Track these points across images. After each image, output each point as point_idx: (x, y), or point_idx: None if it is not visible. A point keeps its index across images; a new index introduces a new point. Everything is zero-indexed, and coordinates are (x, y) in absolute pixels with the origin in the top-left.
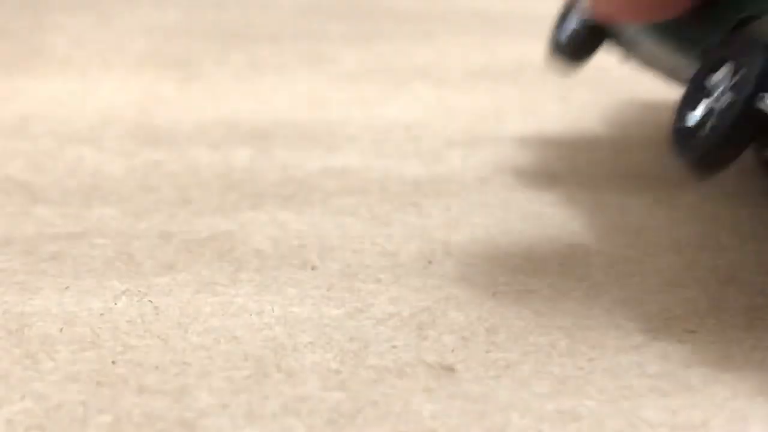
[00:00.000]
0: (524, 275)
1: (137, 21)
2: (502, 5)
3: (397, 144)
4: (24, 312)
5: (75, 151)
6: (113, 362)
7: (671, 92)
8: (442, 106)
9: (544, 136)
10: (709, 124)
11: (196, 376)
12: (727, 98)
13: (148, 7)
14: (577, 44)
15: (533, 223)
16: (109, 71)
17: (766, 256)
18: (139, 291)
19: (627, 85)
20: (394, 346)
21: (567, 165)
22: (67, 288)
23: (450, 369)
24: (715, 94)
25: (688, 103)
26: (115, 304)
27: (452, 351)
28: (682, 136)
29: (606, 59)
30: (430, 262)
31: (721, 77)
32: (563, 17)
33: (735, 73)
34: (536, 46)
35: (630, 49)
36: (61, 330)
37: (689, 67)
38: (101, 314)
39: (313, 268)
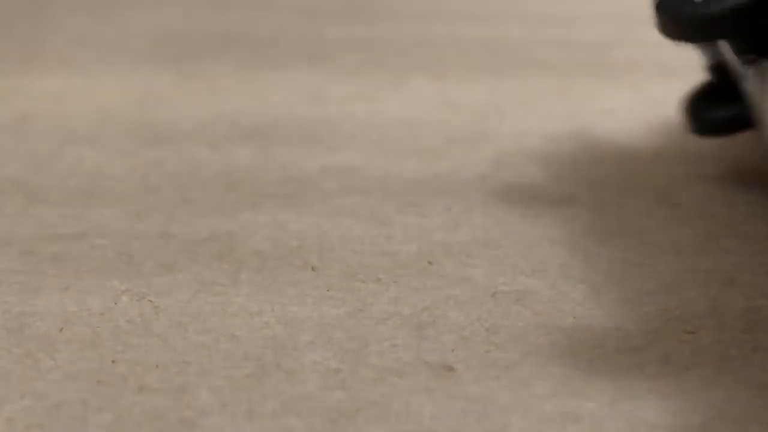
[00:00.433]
0: (524, 276)
1: (137, 21)
2: (501, 5)
3: (397, 142)
4: (24, 312)
5: (75, 151)
6: (113, 361)
7: (678, 86)
8: (442, 103)
9: (545, 133)
10: None
11: (196, 375)
12: None
13: (148, 7)
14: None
15: (533, 223)
16: (109, 70)
17: (767, 258)
18: (139, 291)
19: (631, 79)
20: (394, 346)
21: (568, 164)
22: (67, 288)
23: (450, 369)
24: None
25: None
26: (115, 303)
27: (452, 351)
28: None
29: (606, 56)
30: (430, 262)
31: None
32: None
33: None
34: (537, 43)
35: None
36: (61, 329)
37: None
38: (101, 314)
39: (313, 268)
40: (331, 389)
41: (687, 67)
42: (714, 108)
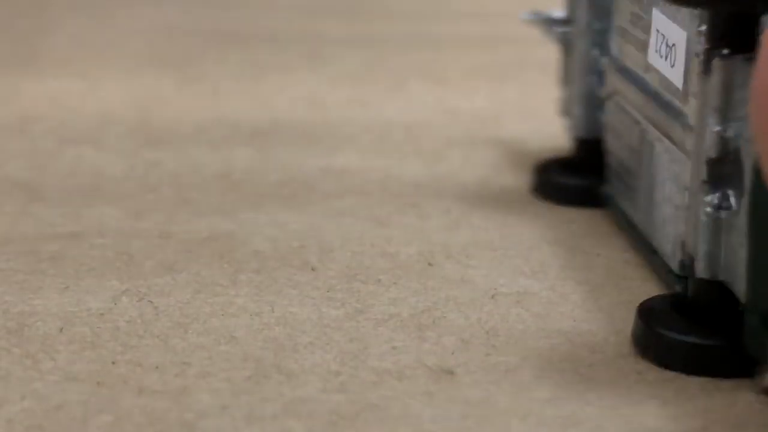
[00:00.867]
0: (524, 278)
1: (137, 21)
2: (502, 5)
3: (397, 144)
4: (24, 312)
5: (75, 151)
6: (113, 362)
7: None
8: (442, 106)
9: (544, 136)
10: None
11: (195, 376)
12: None
13: (148, 7)
14: None
15: (533, 225)
16: (109, 71)
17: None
18: (139, 291)
19: None
20: (393, 348)
21: None
22: (67, 288)
23: (450, 372)
24: None
25: None
26: (115, 304)
27: (452, 353)
28: None
29: None
30: (430, 264)
31: None
32: None
33: None
34: (536, 46)
35: None
36: (61, 330)
37: None
38: (101, 314)
39: (312, 269)
40: (330, 392)
41: None
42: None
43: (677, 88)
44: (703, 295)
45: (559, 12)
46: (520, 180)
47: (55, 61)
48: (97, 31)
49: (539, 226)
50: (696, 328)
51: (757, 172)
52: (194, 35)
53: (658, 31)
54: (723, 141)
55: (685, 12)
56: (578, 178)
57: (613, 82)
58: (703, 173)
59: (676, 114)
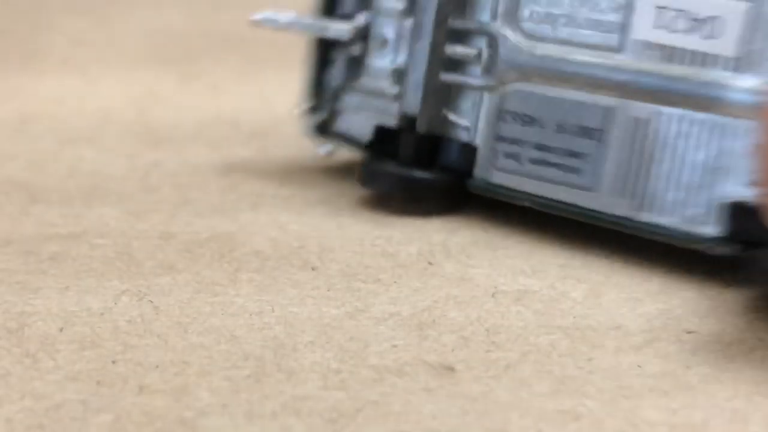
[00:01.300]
0: (524, 276)
1: (137, 21)
2: None
3: None
4: (24, 311)
5: (75, 151)
6: (113, 362)
7: None
8: None
9: None
10: None
11: (196, 375)
12: None
13: (148, 7)
14: None
15: (533, 225)
16: (109, 71)
17: (766, 257)
18: (139, 291)
19: None
20: (394, 346)
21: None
22: (67, 288)
23: (450, 369)
24: None
25: None
26: (115, 303)
27: (452, 351)
28: None
29: None
30: (430, 263)
31: None
32: None
33: None
34: None
35: None
36: (61, 329)
37: None
38: (101, 314)
39: (313, 269)
40: (331, 389)
41: None
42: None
43: (724, 57)
44: None
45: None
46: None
47: (55, 61)
48: (97, 31)
49: (539, 225)
50: None
51: None
52: (194, 35)
53: (664, 8)
54: None
55: None
56: None
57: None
58: None
59: (714, 84)
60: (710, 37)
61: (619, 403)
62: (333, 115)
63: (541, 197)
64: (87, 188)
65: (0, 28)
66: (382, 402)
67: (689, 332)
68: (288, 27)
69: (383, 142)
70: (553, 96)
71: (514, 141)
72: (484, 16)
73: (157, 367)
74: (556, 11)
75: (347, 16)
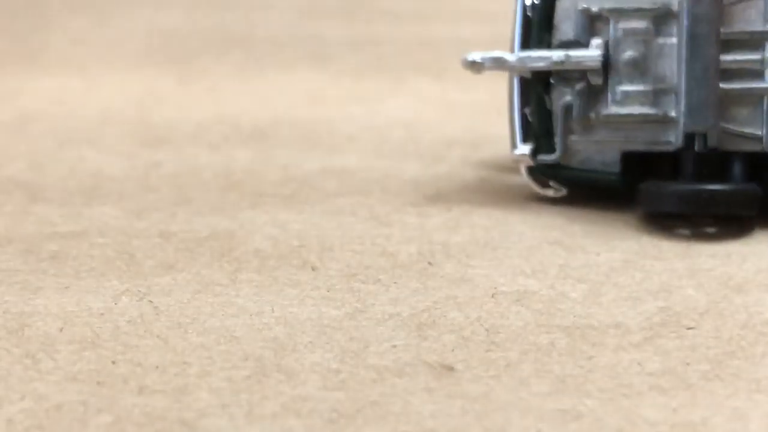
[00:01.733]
0: (524, 276)
1: (137, 21)
2: (501, 4)
3: (398, 143)
4: (24, 312)
5: (75, 151)
6: (113, 362)
7: None
8: (442, 104)
9: None
10: None
11: (196, 376)
12: None
13: (148, 7)
14: None
15: (533, 224)
16: (109, 71)
17: (765, 256)
18: (139, 291)
19: None
20: (394, 346)
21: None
22: (67, 288)
23: (450, 368)
24: None
25: None
26: (115, 303)
27: (452, 351)
28: None
29: None
30: (430, 263)
31: None
32: None
33: None
34: None
35: None
36: (61, 330)
37: None
38: (101, 314)
39: (313, 269)
40: (330, 390)
41: None
42: None
43: None
44: None
45: None
46: (521, 178)
47: (55, 61)
48: (97, 31)
49: (539, 225)
50: None
51: None
52: (194, 35)
53: None
54: None
55: None
56: None
57: None
58: None
59: None
60: None
61: (619, 402)
62: (564, 153)
63: None
64: (87, 188)
65: (0, 28)
66: (382, 402)
67: (689, 328)
68: (517, 66)
69: (631, 171)
70: None
71: None
72: (759, 21)
73: (157, 367)
74: None
75: (564, 47)
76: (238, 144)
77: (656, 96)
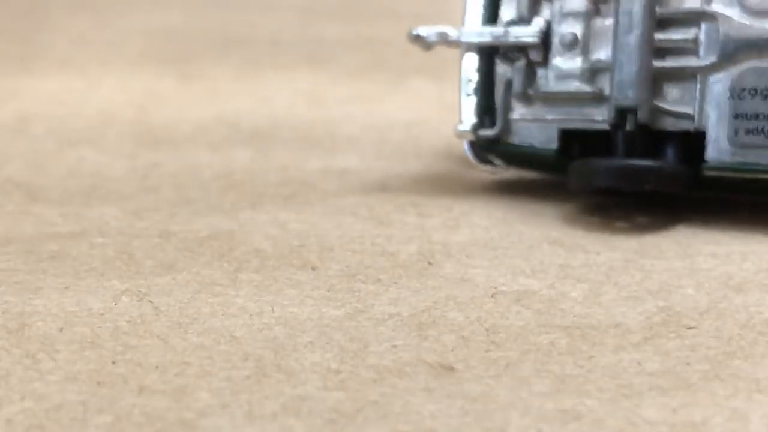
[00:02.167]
0: (524, 276)
1: (137, 21)
2: None
3: (397, 143)
4: (24, 312)
5: (75, 151)
6: (113, 362)
7: None
8: (441, 103)
9: None
10: None
11: (196, 376)
12: None
13: (148, 7)
14: None
15: (533, 224)
16: (109, 71)
17: (765, 256)
18: (139, 291)
19: None
20: (394, 346)
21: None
22: (67, 288)
23: (450, 368)
24: None
25: None
26: (115, 304)
27: (452, 350)
28: None
29: None
30: (430, 263)
31: None
32: None
33: None
34: None
35: None
36: (61, 330)
37: None
38: (101, 314)
39: (313, 269)
40: (330, 390)
41: None
42: None
43: None
44: None
45: None
46: (521, 178)
47: (55, 61)
48: (97, 31)
49: (539, 225)
50: None
51: None
52: (194, 35)
53: None
54: None
55: None
56: None
57: None
58: None
59: None
60: None
61: (619, 402)
62: (504, 129)
63: None
64: (87, 188)
65: (0, 28)
66: (382, 402)
67: (689, 328)
68: (460, 40)
69: (569, 148)
70: None
71: (755, 116)
72: (693, 1)
73: (157, 367)
74: None
75: (511, 24)
76: (238, 144)
77: (593, 74)
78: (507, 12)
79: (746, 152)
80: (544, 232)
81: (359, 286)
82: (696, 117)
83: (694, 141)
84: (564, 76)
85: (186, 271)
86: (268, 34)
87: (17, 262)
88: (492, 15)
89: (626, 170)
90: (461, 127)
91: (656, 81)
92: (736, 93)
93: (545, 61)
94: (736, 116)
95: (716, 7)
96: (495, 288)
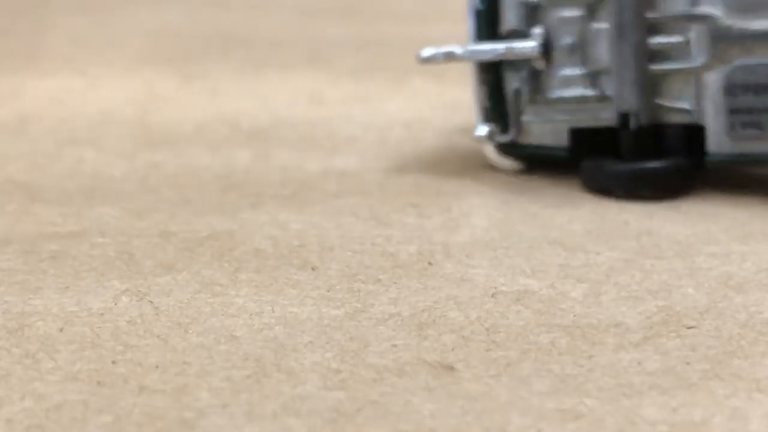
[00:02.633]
0: (524, 276)
1: (137, 21)
2: None
3: (397, 143)
4: (24, 312)
5: (75, 151)
6: (113, 362)
7: None
8: (442, 103)
9: None
10: None
11: (196, 375)
12: None
13: (148, 7)
14: None
15: (533, 224)
16: (109, 71)
17: (765, 256)
18: (139, 291)
19: None
20: (394, 346)
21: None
22: (67, 288)
23: (450, 368)
24: None
25: None
26: (115, 303)
27: (452, 350)
28: None
29: None
30: (430, 263)
31: None
32: None
33: None
34: None
35: None
36: (61, 330)
37: None
38: (101, 314)
39: (313, 269)
40: (330, 389)
41: None
42: None
43: None
44: None
45: None
46: (522, 179)
47: (55, 61)
48: (97, 31)
49: (539, 225)
50: None
51: None
52: (194, 35)
53: None
54: None
55: None
56: None
57: None
58: None
59: None
60: None
61: (619, 402)
62: (518, 132)
63: None
64: (87, 188)
65: (0, 28)
66: (382, 402)
67: (689, 328)
68: (466, 57)
69: (581, 145)
70: None
71: (750, 111)
72: (681, 4)
73: (157, 367)
74: None
75: (511, 36)
76: (238, 144)
77: (594, 78)
78: (506, 22)
79: (744, 145)
80: (544, 232)
81: (359, 286)
82: (695, 113)
83: (695, 135)
84: (568, 81)
85: (186, 271)
86: (268, 35)
87: (17, 262)
88: (491, 27)
89: (633, 174)
90: (477, 133)
91: (655, 82)
92: (730, 90)
93: (548, 68)
94: (732, 111)
95: (704, 9)
96: (495, 288)
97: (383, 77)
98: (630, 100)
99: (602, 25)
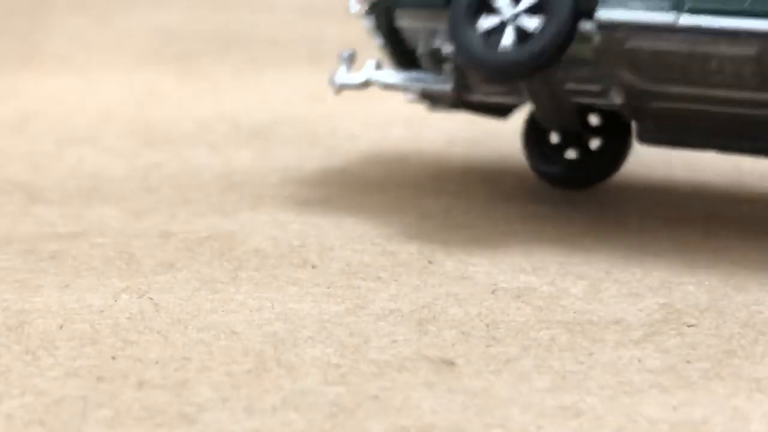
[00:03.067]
0: (524, 274)
1: (137, 21)
2: None
3: (398, 142)
4: (24, 309)
5: (75, 151)
6: (113, 358)
7: None
8: None
9: None
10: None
11: (196, 370)
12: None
13: (148, 7)
14: None
15: (533, 223)
16: (109, 71)
17: (765, 256)
18: (139, 288)
19: None
20: (394, 341)
21: None
22: (67, 286)
23: (450, 363)
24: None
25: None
26: (115, 301)
27: (452, 345)
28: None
29: None
30: (430, 262)
31: None
32: None
33: None
34: None
35: None
36: (61, 327)
37: None
38: (101, 311)
39: (313, 267)
40: (330, 384)
41: None
42: None
43: None
44: None
45: None
46: (522, 177)
47: (55, 61)
48: (97, 31)
49: (539, 223)
50: None
51: None
52: (194, 35)
53: None
54: None
55: None
56: None
57: None
58: None
59: None
60: None
61: (619, 399)
62: None
63: None
64: (87, 188)
65: (0, 27)
66: (382, 397)
67: (689, 326)
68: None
69: None
70: None
71: None
72: None
73: (157, 362)
74: None
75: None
76: (238, 144)
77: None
78: None
79: None
80: (544, 229)
81: (359, 283)
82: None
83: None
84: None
85: (186, 270)
86: (268, 34)
87: (17, 261)
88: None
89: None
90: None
91: None
92: None
93: None
94: None
95: None
96: (495, 285)
97: None
98: None
99: None
